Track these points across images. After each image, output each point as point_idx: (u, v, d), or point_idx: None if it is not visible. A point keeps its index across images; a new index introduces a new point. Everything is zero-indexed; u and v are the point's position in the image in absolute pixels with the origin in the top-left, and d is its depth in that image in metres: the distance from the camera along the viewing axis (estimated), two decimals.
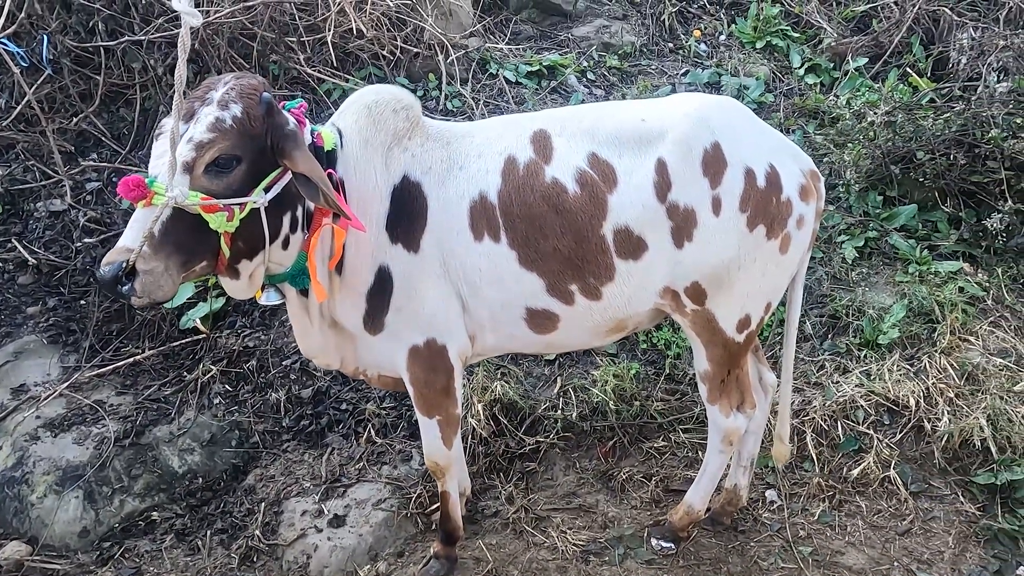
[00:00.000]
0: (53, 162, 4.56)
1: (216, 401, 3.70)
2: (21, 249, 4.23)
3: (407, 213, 2.44)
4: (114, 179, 4.59)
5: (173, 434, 3.56)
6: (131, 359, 3.87)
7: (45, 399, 3.62)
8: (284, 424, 3.64)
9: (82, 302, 4.15)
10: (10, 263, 4.27)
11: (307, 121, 2.31)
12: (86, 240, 4.31)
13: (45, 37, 4.36)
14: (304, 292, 2.46)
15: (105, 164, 4.56)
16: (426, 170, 2.47)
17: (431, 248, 2.45)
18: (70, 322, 4.05)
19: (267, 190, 2.12)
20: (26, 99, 4.47)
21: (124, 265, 1.96)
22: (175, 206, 1.97)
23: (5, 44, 4.23)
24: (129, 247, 1.98)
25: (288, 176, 2.16)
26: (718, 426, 2.85)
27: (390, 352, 2.58)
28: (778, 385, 2.98)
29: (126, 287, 1.98)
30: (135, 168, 4.55)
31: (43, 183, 4.51)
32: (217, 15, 4.46)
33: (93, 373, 3.81)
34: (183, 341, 3.94)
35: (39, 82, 4.53)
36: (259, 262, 2.25)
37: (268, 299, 2.41)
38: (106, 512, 3.28)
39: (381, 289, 2.46)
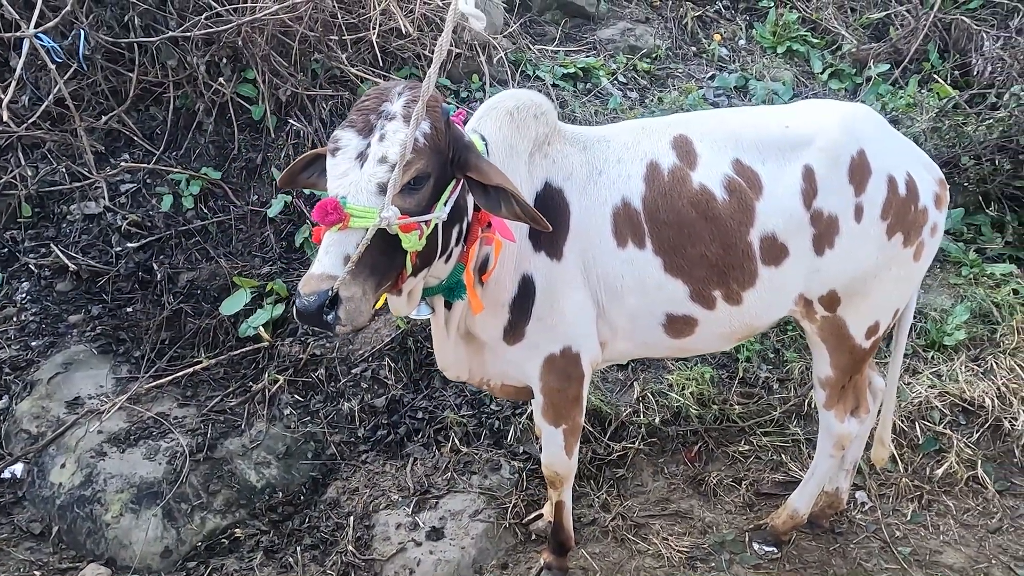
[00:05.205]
0: (83, 162, 4.35)
1: (287, 412, 3.57)
2: (59, 254, 4.02)
3: (550, 220, 2.38)
4: (149, 181, 4.41)
5: (246, 447, 3.43)
6: (191, 368, 3.71)
7: (105, 413, 3.44)
8: (360, 434, 3.54)
9: (128, 309, 3.97)
10: (46, 268, 4.06)
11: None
12: (128, 245, 4.12)
13: (82, 32, 4.14)
14: (447, 305, 2.40)
15: (141, 164, 4.36)
16: (567, 176, 2.42)
17: (573, 255, 2.41)
18: (119, 331, 3.87)
19: (445, 204, 2.05)
20: (52, 95, 4.24)
21: (330, 293, 1.86)
22: (378, 228, 1.88)
23: (40, 39, 4.00)
24: (331, 274, 1.87)
25: (459, 189, 2.10)
26: (831, 431, 2.87)
27: (524, 361, 2.53)
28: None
29: (330, 316, 1.87)
30: (172, 169, 4.38)
31: (74, 185, 4.29)
32: (260, 12, 4.31)
33: (151, 384, 3.64)
34: (243, 350, 3.80)
35: (66, 77, 4.30)
36: (422, 277, 2.17)
37: (420, 312, 2.33)
38: (187, 530, 3.14)
39: (524, 298, 2.41)
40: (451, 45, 4.88)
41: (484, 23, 1.82)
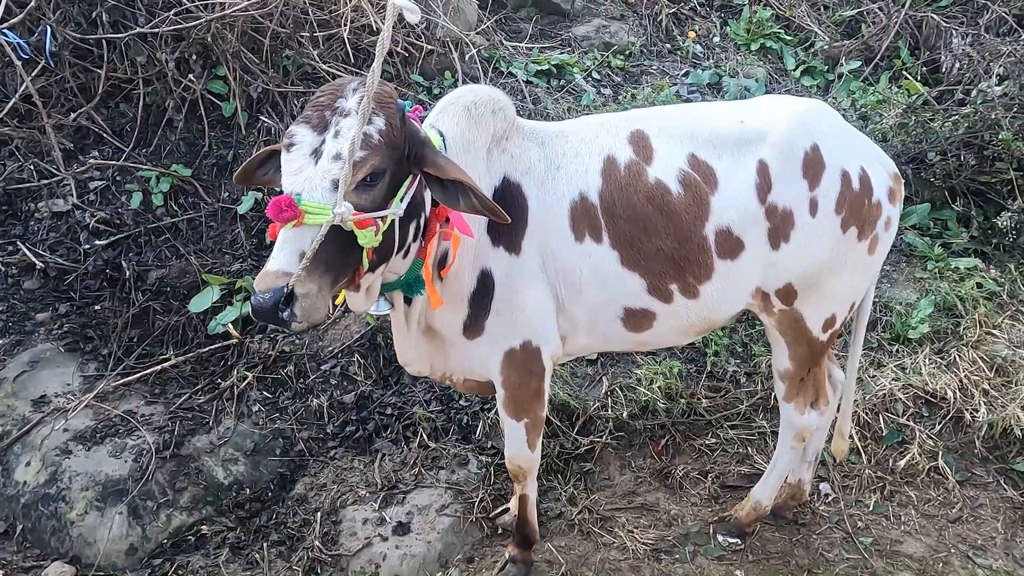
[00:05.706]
0: (51, 159, 4.32)
1: (255, 409, 3.57)
2: (27, 251, 4.00)
3: (508, 215, 2.39)
4: (118, 178, 4.39)
5: (213, 444, 3.42)
6: (159, 366, 3.70)
7: (72, 411, 3.43)
8: (329, 431, 3.54)
9: (96, 307, 3.95)
10: (13, 267, 4.03)
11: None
12: (96, 242, 4.10)
13: (49, 28, 4.11)
14: (407, 300, 2.41)
15: (110, 162, 4.34)
16: (525, 171, 2.43)
17: (532, 249, 2.42)
18: (86, 328, 3.85)
19: (401, 200, 2.06)
20: (19, 92, 4.21)
21: (285, 290, 1.86)
22: (333, 224, 1.88)
23: (6, 35, 3.97)
24: (286, 271, 1.87)
25: (416, 184, 2.10)
26: (792, 423, 2.90)
27: (484, 356, 2.54)
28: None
29: (286, 313, 1.87)
30: (142, 166, 4.36)
31: (42, 182, 4.27)
32: (230, 8, 4.30)
33: (118, 382, 3.63)
34: (212, 347, 3.79)
35: (33, 74, 4.27)
36: (380, 273, 2.18)
37: (379, 308, 2.34)
38: (153, 528, 3.13)
39: (483, 293, 2.42)
40: (424, 42, 4.89)
41: (418, 17, 1.82)
